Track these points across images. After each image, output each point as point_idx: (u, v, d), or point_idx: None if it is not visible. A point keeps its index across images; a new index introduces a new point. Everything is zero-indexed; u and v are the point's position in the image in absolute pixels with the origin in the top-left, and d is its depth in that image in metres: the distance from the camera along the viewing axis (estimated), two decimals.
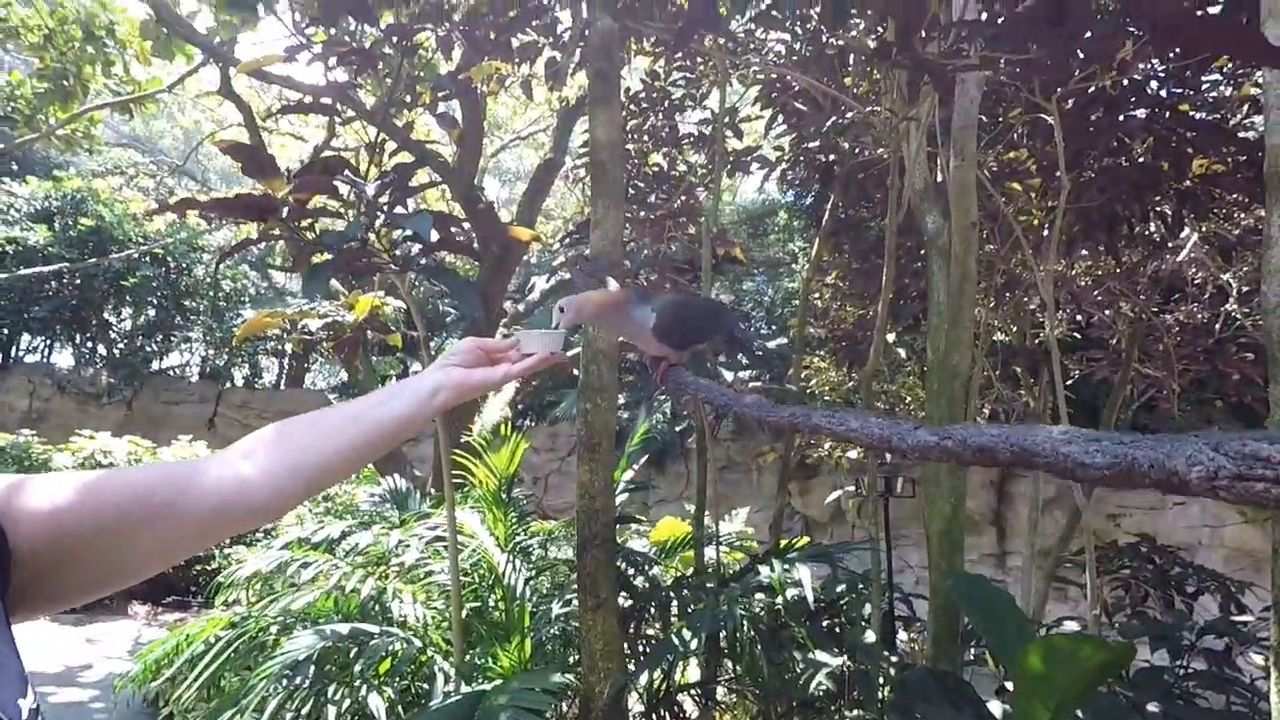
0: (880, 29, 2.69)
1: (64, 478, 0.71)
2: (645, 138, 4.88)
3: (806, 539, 7.11)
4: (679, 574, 3.10)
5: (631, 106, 4.71)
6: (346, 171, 1.57)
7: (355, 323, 2.88)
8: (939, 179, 3.31)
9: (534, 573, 2.99)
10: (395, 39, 2.19)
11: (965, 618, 1.92)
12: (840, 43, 3.15)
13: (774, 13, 2.77)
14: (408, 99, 2.25)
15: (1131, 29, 1.90)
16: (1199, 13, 1.57)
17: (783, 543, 3.40)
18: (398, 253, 1.76)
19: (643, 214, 4.95)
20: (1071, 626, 3.78)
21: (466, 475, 3.21)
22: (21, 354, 15.80)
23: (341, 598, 2.60)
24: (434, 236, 2.08)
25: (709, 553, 3.30)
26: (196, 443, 8.11)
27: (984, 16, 1.88)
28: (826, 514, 11.23)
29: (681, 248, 5.23)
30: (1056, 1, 1.29)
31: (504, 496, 3.09)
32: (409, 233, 1.63)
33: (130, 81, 8.98)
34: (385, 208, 1.63)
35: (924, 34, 1.57)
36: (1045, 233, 3.89)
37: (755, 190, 15.77)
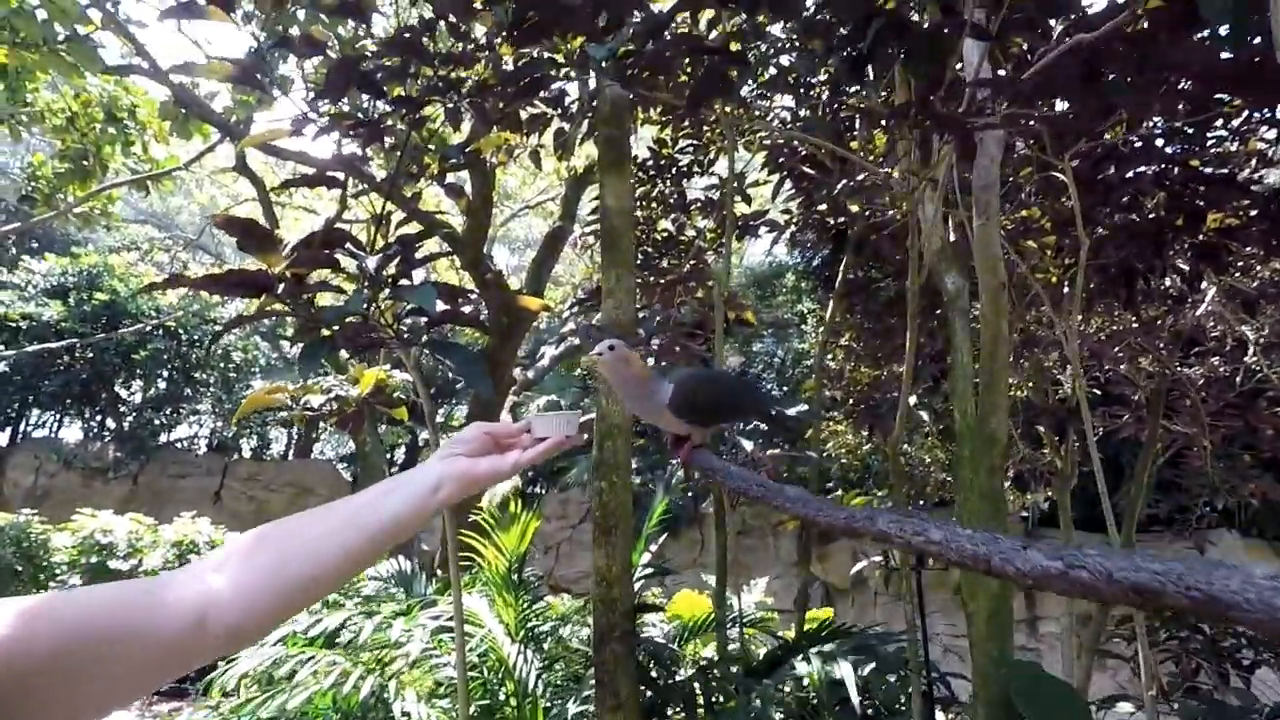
0: (888, 91, 2.67)
1: (6, 606, 0.60)
2: (654, 204, 4.88)
3: (830, 612, 6.81)
4: (702, 661, 2.90)
5: (640, 174, 4.72)
6: (349, 244, 1.50)
7: (360, 396, 2.79)
8: (952, 239, 3.25)
9: (547, 663, 2.81)
10: (403, 112, 2.16)
11: (1021, 713, 1.75)
12: (854, 104, 3.14)
13: (789, 76, 2.76)
14: (414, 170, 2.21)
15: (1165, 80, 1.83)
16: (1230, 58, 1.51)
17: (810, 621, 3.20)
18: (402, 326, 1.67)
19: (652, 279, 4.91)
20: (1125, 708, 3.52)
21: (475, 556, 3.06)
22: (30, 429, 15.81)
23: (340, 695, 2.43)
24: (440, 308, 2.00)
25: (732, 631, 3.11)
26: (200, 519, 7.95)
27: (1001, 73, 1.84)
28: (848, 581, 10.88)
29: (691, 311, 5.17)
30: (1089, 57, 1.23)
31: (514, 578, 2.93)
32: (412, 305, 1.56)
33: (148, 160, 9.18)
34: (389, 280, 1.56)
35: (943, 93, 1.51)
36: (1065, 289, 3.79)
37: (763, 253, 15.91)
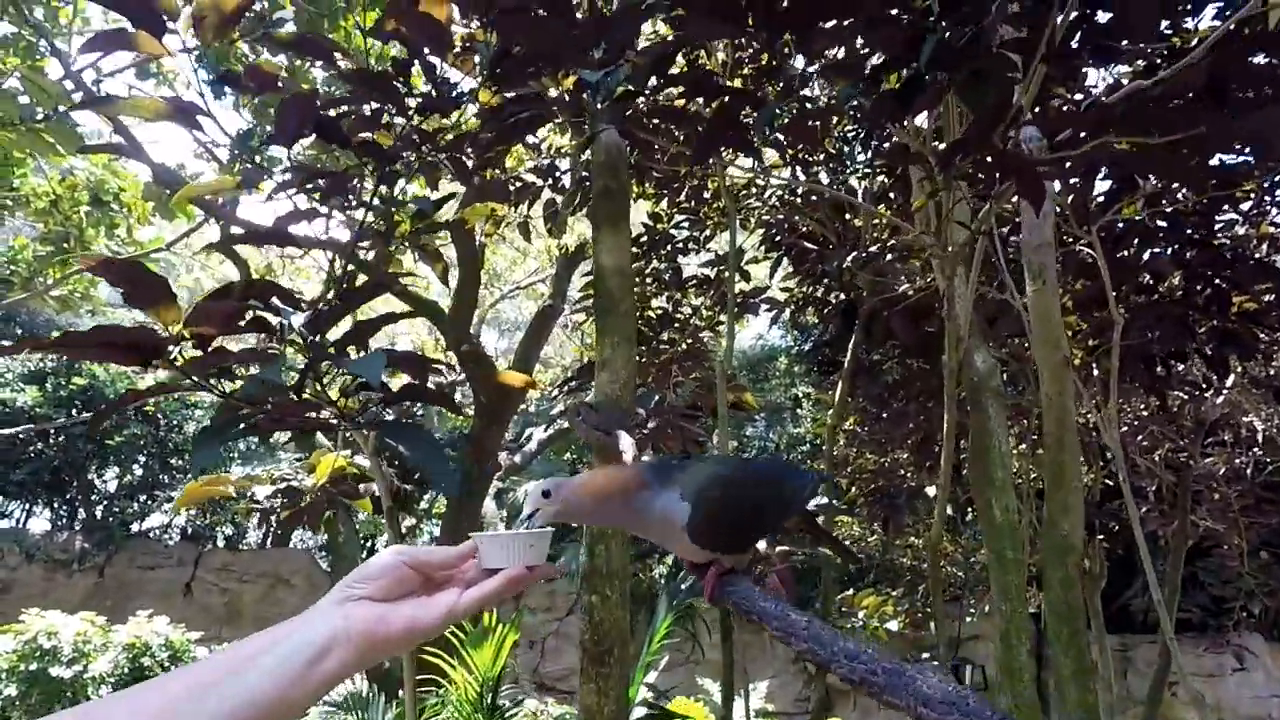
0: (905, 133, 2.48)
1: None
2: (648, 280, 4.67)
3: None
4: None
5: (634, 249, 4.53)
6: (275, 299, 1.20)
7: (315, 487, 2.44)
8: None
9: None
10: (370, 163, 1.91)
11: None
12: (865, 166, 2.94)
13: (792, 144, 2.57)
14: (383, 229, 1.96)
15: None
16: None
17: None
18: (351, 405, 1.36)
19: (645, 358, 4.64)
20: None
21: (439, 678, 2.63)
22: None
23: None
24: (404, 380, 1.68)
25: None
26: (158, 618, 7.36)
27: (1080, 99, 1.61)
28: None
29: (686, 392, 4.89)
30: (1222, 73, 0.99)
31: (487, 706, 2.50)
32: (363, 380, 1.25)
33: (132, 242, 9.04)
34: (332, 347, 1.26)
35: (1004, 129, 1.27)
36: (1095, 373, 3.53)
37: (754, 336, 15.81)
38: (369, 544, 13.88)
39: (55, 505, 14.78)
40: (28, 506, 15.14)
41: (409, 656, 1.81)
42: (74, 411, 13.08)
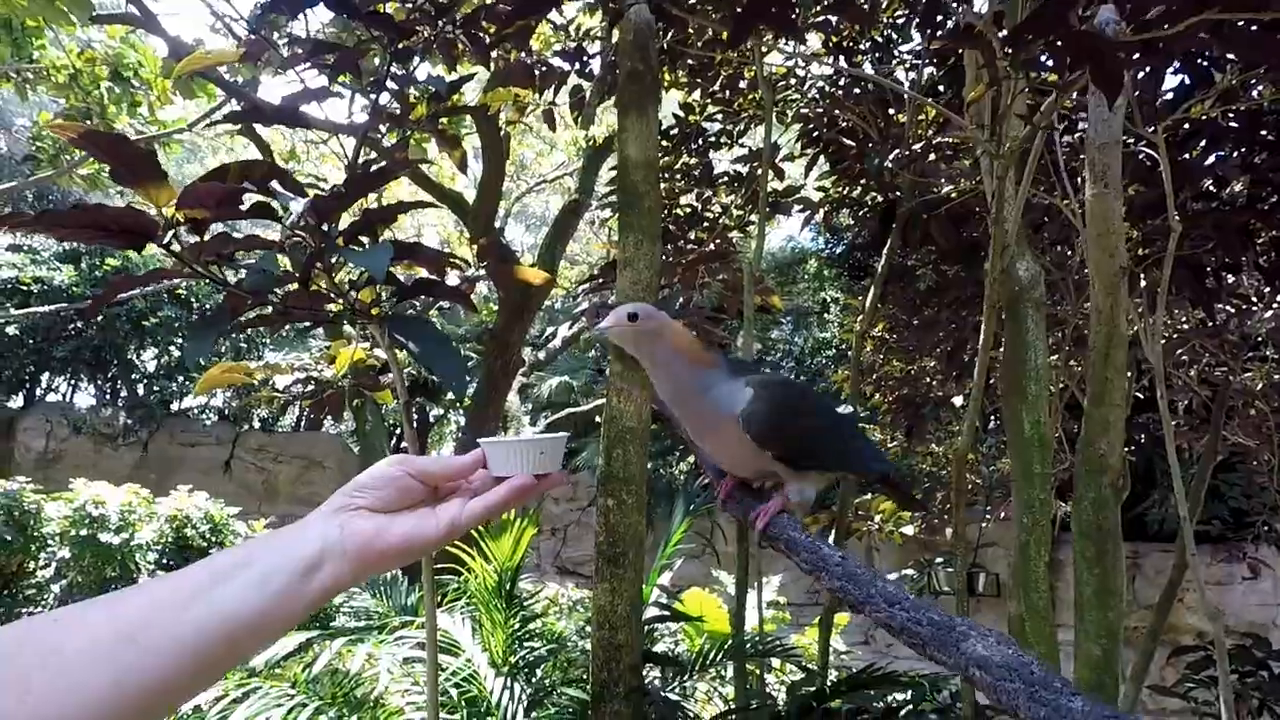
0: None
1: None
2: (677, 176, 4.47)
3: (846, 618, 6.43)
4: (720, 689, 2.55)
5: (663, 143, 4.32)
6: (275, 183, 1.13)
7: (335, 379, 2.44)
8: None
9: (538, 696, 2.44)
10: (384, 39, 1.78)
11: None
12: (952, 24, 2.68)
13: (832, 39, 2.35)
14: (398, 111, 1.84)
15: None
16: None
17: (836, 626, 2.81)
18: (357, 297, 1.31)
19: (672, 257, 4.53)
20: None
21: (459, 567, 2.71)
22: (43, 394, 15.76)
23: None
24: (421, 275, 1.62)
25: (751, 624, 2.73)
26: (197, 493, 7.73)
27: None
28: None
29: (713, 294, 4.79)
30: None
31: (505, 595, 2.57)
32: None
33: (155, 121, 8.89)
34: (339, 236, 1.19)
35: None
36: (1141, 283, 3.37)
37: (784, 238, 15.44)
38: (397, 431, 14.30)
39: (99, 382, 15.34)
40: (73, 382, 15.75)
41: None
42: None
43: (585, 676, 2.73)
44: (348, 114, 2.20)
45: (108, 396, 15.53)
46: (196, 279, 1.11)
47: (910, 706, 2.35)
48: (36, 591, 6.60)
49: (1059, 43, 1.13)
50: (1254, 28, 1.19)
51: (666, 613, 2.78)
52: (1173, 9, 1.02)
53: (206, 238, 1.05)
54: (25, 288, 13.50)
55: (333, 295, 1.27)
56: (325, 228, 1.16)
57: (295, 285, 1.19)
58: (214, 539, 7.33)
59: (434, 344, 1.17)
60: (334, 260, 1.26)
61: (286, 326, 15.62)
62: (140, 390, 14.99)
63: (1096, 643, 1.70)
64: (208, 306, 14.17)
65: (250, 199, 1.10)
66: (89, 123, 8.85)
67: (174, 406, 15.43)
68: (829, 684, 2.27)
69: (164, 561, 7.00)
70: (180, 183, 1.10)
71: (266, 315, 1.18)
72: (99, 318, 13.56)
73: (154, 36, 7.02)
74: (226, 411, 16.18)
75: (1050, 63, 1.49)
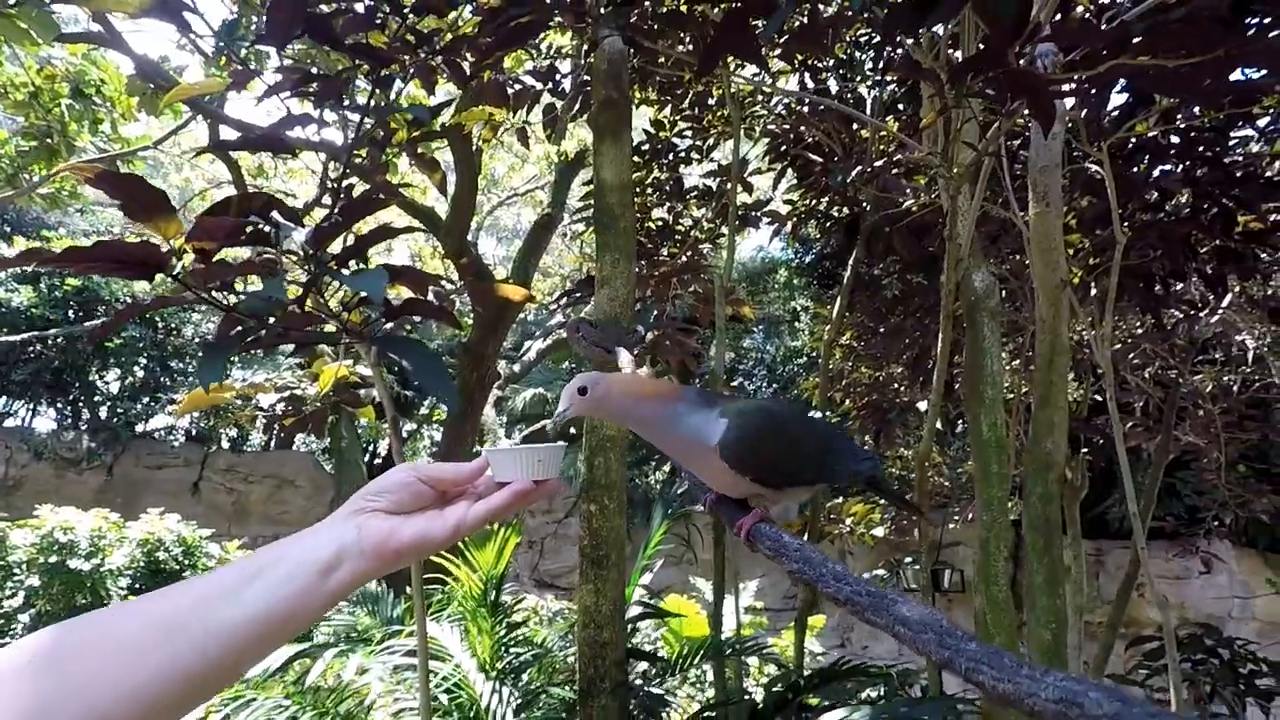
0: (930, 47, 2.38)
1: None
2: (649, 190, 4.58)
3: (822, 620, 6.54)
4: (700, 687, 2.63)
5: (634, 158, 4.43)
6: (276, 213, 1.19)
7: (319, 395, 2.48)
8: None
9: (526, 699, 2.51)
10: (366, 67, 1.85)
11: None
12: (873, 80, 2.84)
13: (802, 53, 2.46)
14: (380, 136, 1.91)
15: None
16: None
17: (811, 629, 2.90)
18: (350, 319, 1.37)
19: (645, 273, 4.62)
20: None
21: (445, 576, 2.76)
22: (1, 418, 15.33)
23: None
24: (406, 295, 1.69)
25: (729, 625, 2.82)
26: (169, 515, 7.60)
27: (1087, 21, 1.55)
28: None
29: (684, 305, 4.90)
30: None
31: (490, 602, 2.63)
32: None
33: (118, 139, 8.77)
34: (332, 261, 1.25)
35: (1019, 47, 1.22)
36: (1092, 292, 3.53)
37: (754, 248, 15.64)
38: (370, 447, 14.17)
39: (59, 405, 14.96)
40: (32, 406, 15.33)
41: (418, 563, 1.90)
42: (70, 313, 13.05)
43: (570, 680, 2.79)
44: (317, 132, 2.25)
45: (69, 420, 15.14)
46: (200, 304, 1.17)
47: (884, 702, 2.44)
48: (4, 621, 6.43)
49: (999, 77, 1.24)
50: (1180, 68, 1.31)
51: (649, 610, 2.85)
52: (1098, 51, 1.13)
53: (210, 263, 1.12)
54: None
55: (325, 316, 1.33)
56: (319, 254, 1.23)
57: (291, 308, 1.25)
58: (187, 562, 7.20)
59: (424, 361, 1.24)
60: (326, 283, 1.32)
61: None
62: (103, 413, 14.63)
63: (1047, 628, 1.81)
64: (172, 326, 13.93)
65: (248, 229, 1.16)
66: (49, 141, 8.73)
67: (139, 428, 15.08)
68: (803, 678, 2.36)
69: (135, 586, 6.86)
70: None
71: (262, 338, 1.24)
72: (59, 339, 13.28)
73: (119, 54, 6.96)
74: (194, 432, 15.88)
75: (993, 96, 1.61)
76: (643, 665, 2.62)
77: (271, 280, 1.18)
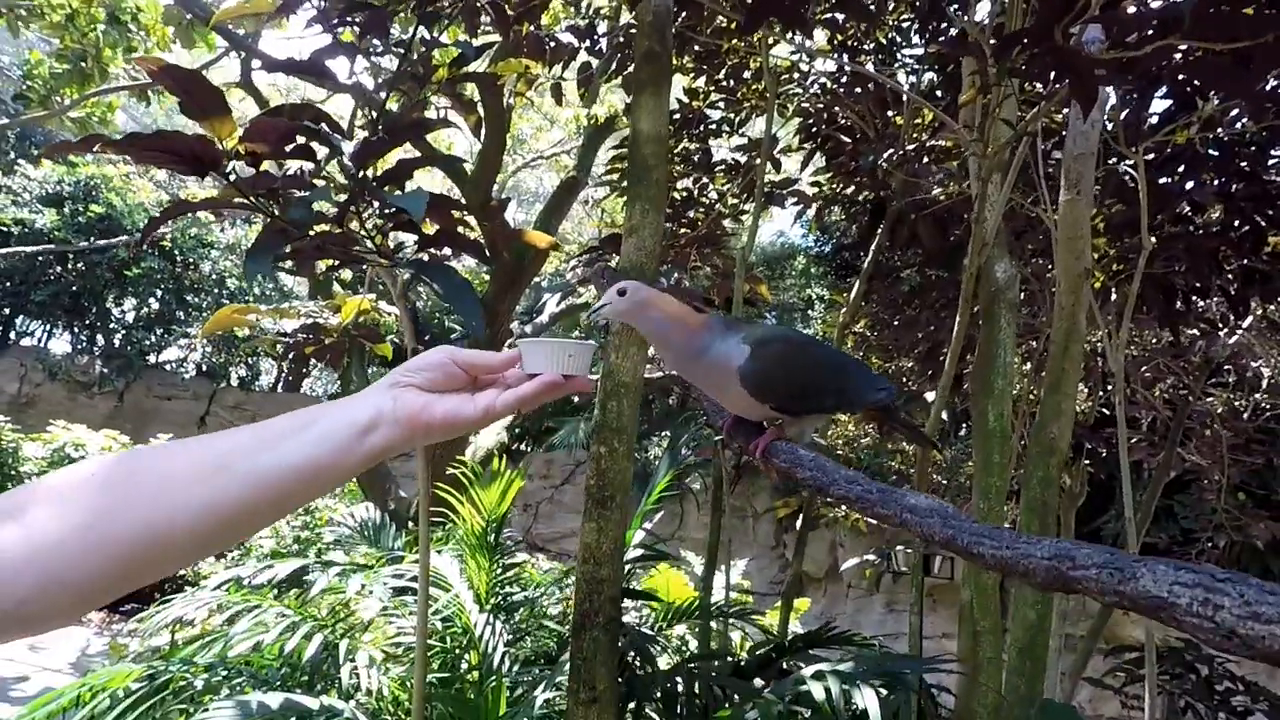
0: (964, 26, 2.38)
1: None
2: (677, 160, 4.58)
3: (806, 603, 6.61)
4: (684, 654, 2.69)
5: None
6: (324, 125, 1.22)
7: (340, 327, 2.53)
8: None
9: (517, 635, 2.58)
10: (413, 2, 1.87)
11: None
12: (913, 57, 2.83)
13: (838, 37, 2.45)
14: (421, 72, 1.92)
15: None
16: None
17: (795, 610, 2.96)
18: (386, 242, 1.41)
19: (666, 241, 4.63)
20: None
21: (449, 513, 2.82)
22: (18, 337, 15.52)
23: (285, 649, 2.20)
24: (431, 226, 1.72)
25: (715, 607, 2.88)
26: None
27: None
28: (823, 570, 10.72)
29: (703, 279, 4.91)
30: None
31: (490, 540, 2.70)
32: (398, 215, 1.28)
33: None
34: (373, 180, 1.28)
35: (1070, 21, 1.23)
36: (1113, 298, 3.52)
37: (774, 233, 15.57)
38: None
39: (75, 329, 15.12)
40: (48, 327, 15.52)
41: (425, 490, 1.95)
42: (92, 238, 13.16)
43: (561, 621, 2.87)
44: (364, 64, 2.27)
45: (84, 344, 15.32)
46: (250, 210, 1.20)
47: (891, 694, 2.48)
48: None
49: (1044, 56, 1.25)
50: (1229, 60, 1.31)
51: (649, 552, 2.92)
52: (1143, 35, 1.14)
53: (258, 172, 1.15)
54: (5, 229, 13.26)
55: (362, 236, 1.36)
56: (362, 174, 1.26)
57: (330, 225, 1.28)
58: None
59: (455, 286, 1.28)
60: (364, 206, 1.35)
61: (269, 286, 15.42)
62: (117, 340, 14.79)
63: (1033, 608, 1.86)
64: (190, 261, 14.00)
65: (298, 139, 1.19)
66: (83, 65, 8.74)
67: (151, 358, 15.25)
68: (787, 641, 2.42)
69: None
70: (174, 129, 1.18)
71: (301, 250, 1.28)
72: (80, 264, 13.39)
73: None
74: (205, 366, 16.04)
75: (1036, 74, 1.61)
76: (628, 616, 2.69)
77: (316, 189, 1.21)
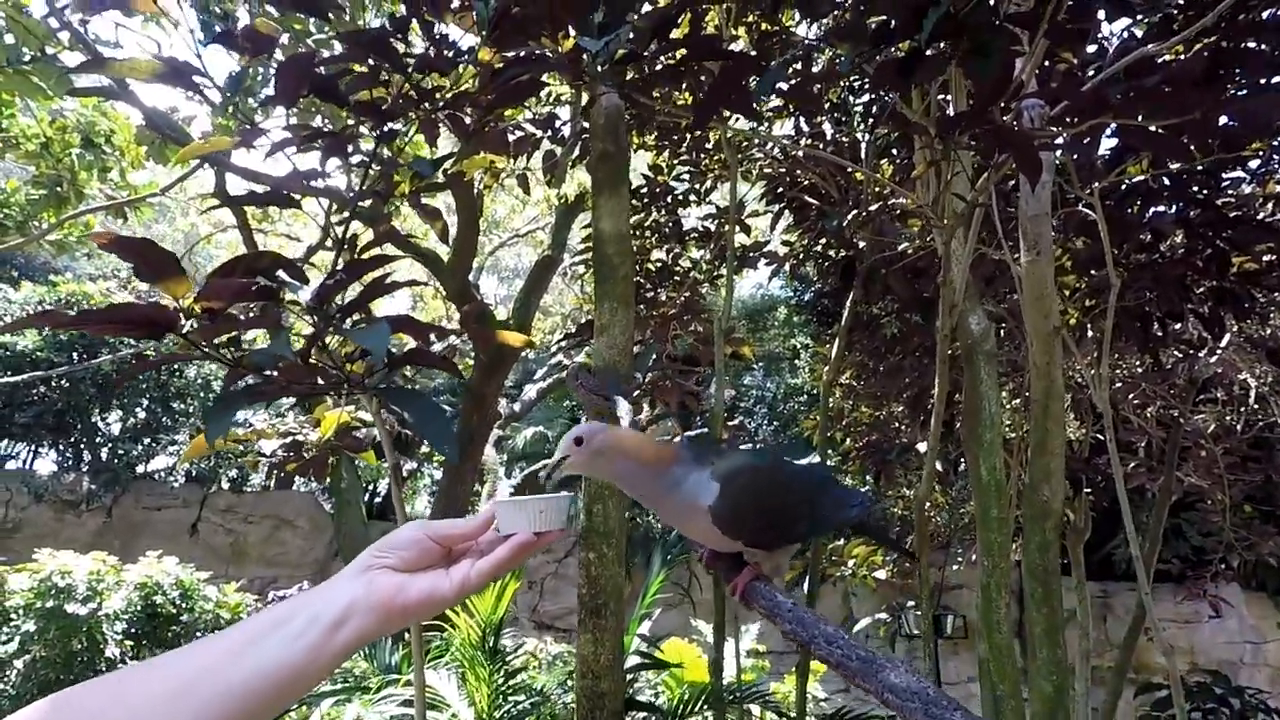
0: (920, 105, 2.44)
1: None
2: (647, 233, 4.65)
3: (823, 666, 6.42)
4: None
5: (633, 201, 4.50)
6: (282, 271, 1.22)
7: (321, 441, 2.49)
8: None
9: None
10: (369, 123, 1.90)
11: None
12: (863, 128, 2.91)
13: (807, 89, 2.52)
14: (382, 188, 1.95)
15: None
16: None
17: (813, 674, 2.86)
18: (354, 369, 1.40)
19: (645, 312, 4.67)
20: None
21: (444, 623, 2.74)
22: (2, 460, 15.29)
23: None
24: (410, 345, 1.72)
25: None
26: (167, 558, 7.52)
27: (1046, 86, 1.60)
28: (836, 620, 10.46)
29: (684, 345, 4.93)
30: (1214, 57, 0.99)
31: (489, 647, 2.61)
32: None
33: (126, 186, 8.91)
34: (338, 314, 1.28)
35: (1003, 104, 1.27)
36: (1089, 333, 3.55)
37: (754, 286, 15.75)
38: (371, 488, 14.10)
39: (61, 447, 14.92)
40: (34, 448, 15.30)
41: None
42: (74, 356, 13.12)
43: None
44: (322, 181, 2.30)
45: (70, 461, 15.09)
46: (207, 359, 1.19)
47: None
48: None
49: (984, 135, 1.28)
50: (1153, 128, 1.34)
51: (648, 661, 2.82)
52: (1077, 110, 1.17)
53: (217, 319, 1.14)
54: None
55: (328, 368, 1.35)
56: (324, 308, 1.26)
57: (295, 360, 1.27)
58: (184, 605, 7.11)
59: (425, 412, 1.26)
60: (329, 334, 1.35)
61: None
62: (104, 454, 14.59)
63: (1049, 680, 1.80)
64: (174, 368, 13.96)
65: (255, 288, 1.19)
66: (59, 189, 8.87)
67: (139, 469, 15.02)
68: None
69: (132, 631, 6.76)
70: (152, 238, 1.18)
71: (268, 390, 1.26)
72: (64, 381, 13.32)
73: (128, 105, 7.12)
74: (194, 472, 15.81)
75: (981, 150, 1.66)
76: (641, 716, 2.58)
77: (277, 337, 1.21)
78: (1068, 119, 1.23)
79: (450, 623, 2.73)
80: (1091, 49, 2.88)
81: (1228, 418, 5.53)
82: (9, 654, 6.30)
